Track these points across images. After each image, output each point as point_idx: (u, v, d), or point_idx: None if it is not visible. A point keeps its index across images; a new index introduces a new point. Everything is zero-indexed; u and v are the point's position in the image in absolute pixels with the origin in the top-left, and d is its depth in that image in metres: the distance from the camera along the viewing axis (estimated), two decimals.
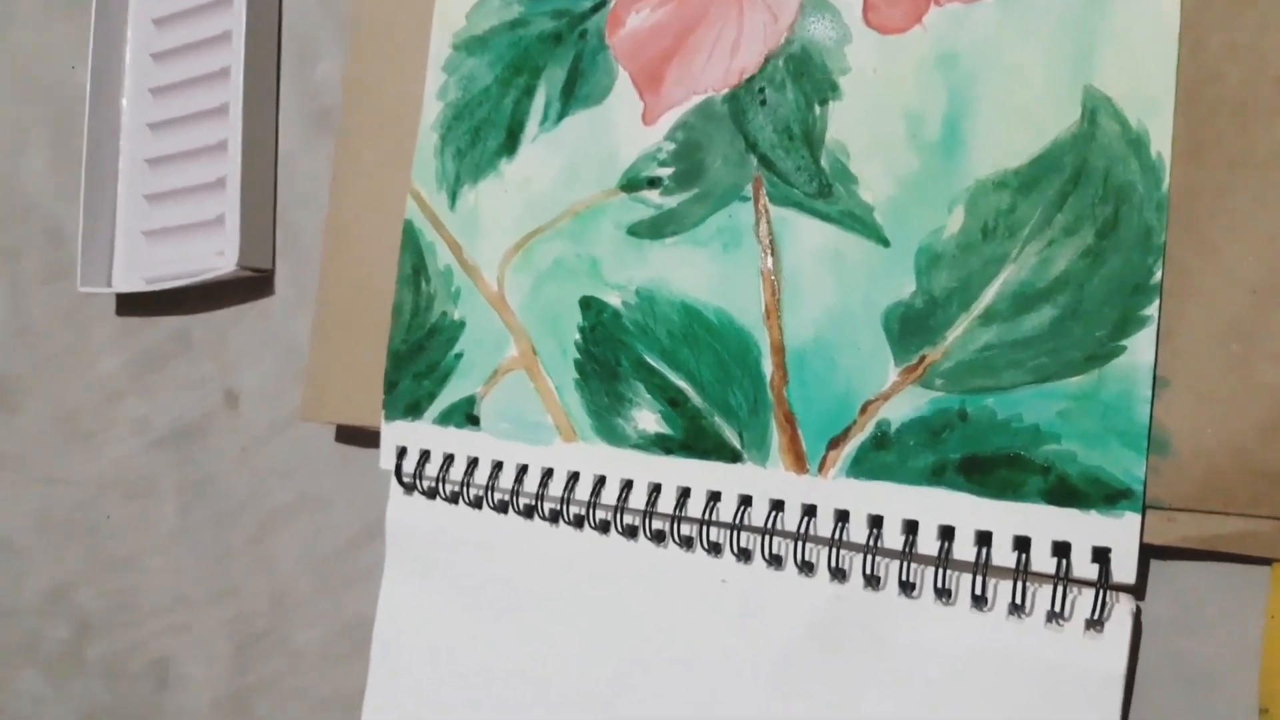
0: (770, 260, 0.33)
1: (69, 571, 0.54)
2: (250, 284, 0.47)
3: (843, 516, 0.31)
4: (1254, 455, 0.26)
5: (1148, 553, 0.28)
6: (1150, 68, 0.28)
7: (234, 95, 0.45)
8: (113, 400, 0.52)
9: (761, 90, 0.33)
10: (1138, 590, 0.28)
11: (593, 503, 0.36)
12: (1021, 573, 0.28)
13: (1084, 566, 0.28)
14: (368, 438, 0.43)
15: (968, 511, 0.29)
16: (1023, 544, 0.28)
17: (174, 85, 0.49)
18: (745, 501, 0.33)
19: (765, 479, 0.32)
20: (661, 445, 0.34)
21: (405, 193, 0.41)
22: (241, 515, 0.47)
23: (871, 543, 0.30)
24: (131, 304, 0.52)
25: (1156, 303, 0.27)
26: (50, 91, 0.56)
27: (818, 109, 0.32)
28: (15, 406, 0.56)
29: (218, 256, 0.46)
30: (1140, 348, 0.27)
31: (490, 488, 0.38)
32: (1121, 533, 0.27)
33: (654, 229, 0.35)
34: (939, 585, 0.30)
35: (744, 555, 0.33)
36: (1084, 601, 0.28)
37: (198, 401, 0.49)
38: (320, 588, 0.45)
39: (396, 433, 0.40)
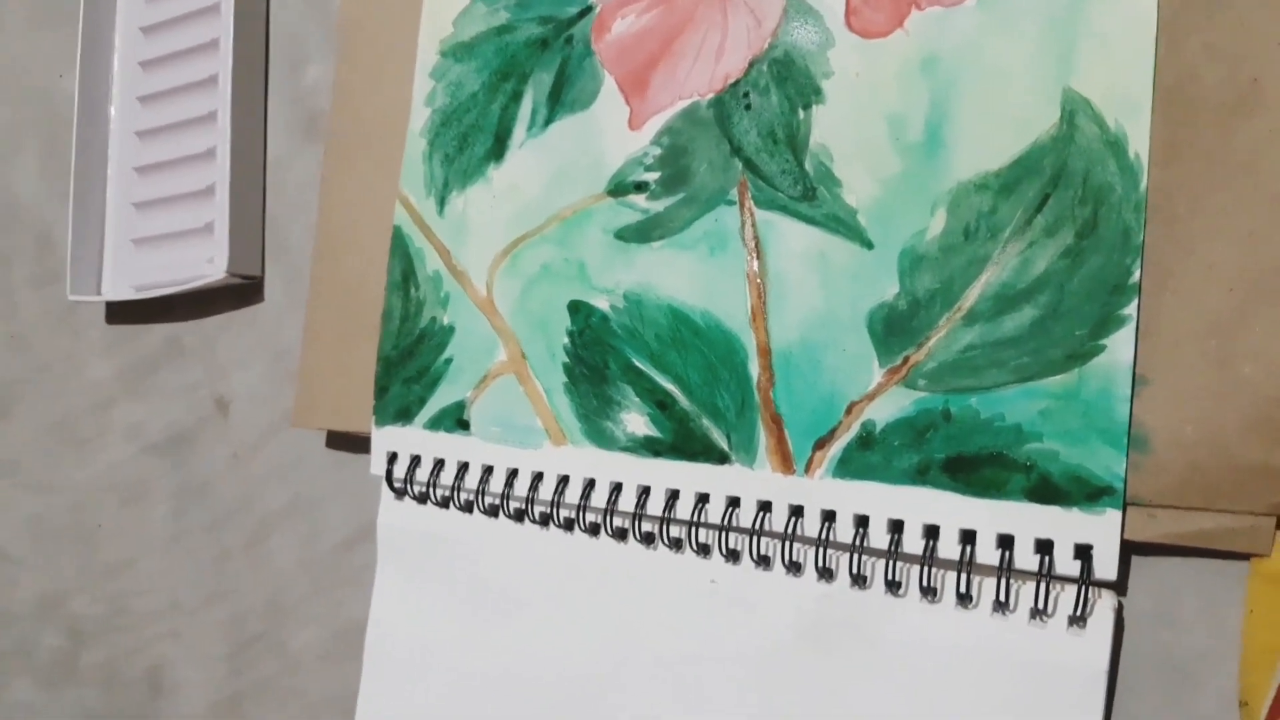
0: (756, 263, 0.33)
1: (62, 579, 0.54)
2: (240, 291, 0.47)
3: (829, 516, 0.31)
4: (1233, 451, 0.27)
5: (1129, 549, 0.28)
6: (1128, 70, 0.28)
7: (222, 103, 0.45)
8: (104, 407, 0.52)
9: (746, 95, 0.33)
10: (1119, 586, 0.28)
11: (582, 505, 0.36)
12: (1005, 570, 0.29)
13: (1066, 563, 0.28)
14: (359, 443, 0.43)
15: (952, 510, 0.30)
16: (1006, 542, 0.29)
17: (162, 93, 0.49)
18: (733, 503, 0.33)
19: (753, 480, 0.33)
20: (650, 448, 0.35)
21: (394, 198, 0.41)
22: (234, 520, 0.47)
23: (858, 542, 0.31)
24: (122, 311, 0.52)
25: (1135, 302, 0.28)
26: (39, 99, 0.56)
27: (801, 113, 0.33)
28: (6, 413, 0.56)
29: (207, 264, 0.46)
30: (1120, 346, 0.28)
31: (481, 492, 0.38)
32: (1103, 530, 0.28)
33: (641, 233, 0.35)
34: (924, 584, 0.30)
35: (733, 556, 0.33)
36: (1067, 598, 0.28)
37: (189, 408, 0.49)
38: (314, 591, 0.45)
39: (387, 438, 0.40)
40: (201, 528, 0.49)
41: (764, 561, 0.33)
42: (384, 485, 0.41)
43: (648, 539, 0.35)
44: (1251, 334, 0.27)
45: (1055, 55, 0.29)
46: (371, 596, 0.41)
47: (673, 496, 0.34)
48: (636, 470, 0.35)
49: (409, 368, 0.40)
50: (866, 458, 0.31)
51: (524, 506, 0.37)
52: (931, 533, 0.30)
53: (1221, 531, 0.27)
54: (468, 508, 0.39)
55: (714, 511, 0.33)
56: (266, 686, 0.46)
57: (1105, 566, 0.28)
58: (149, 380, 0.51)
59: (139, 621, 0.51)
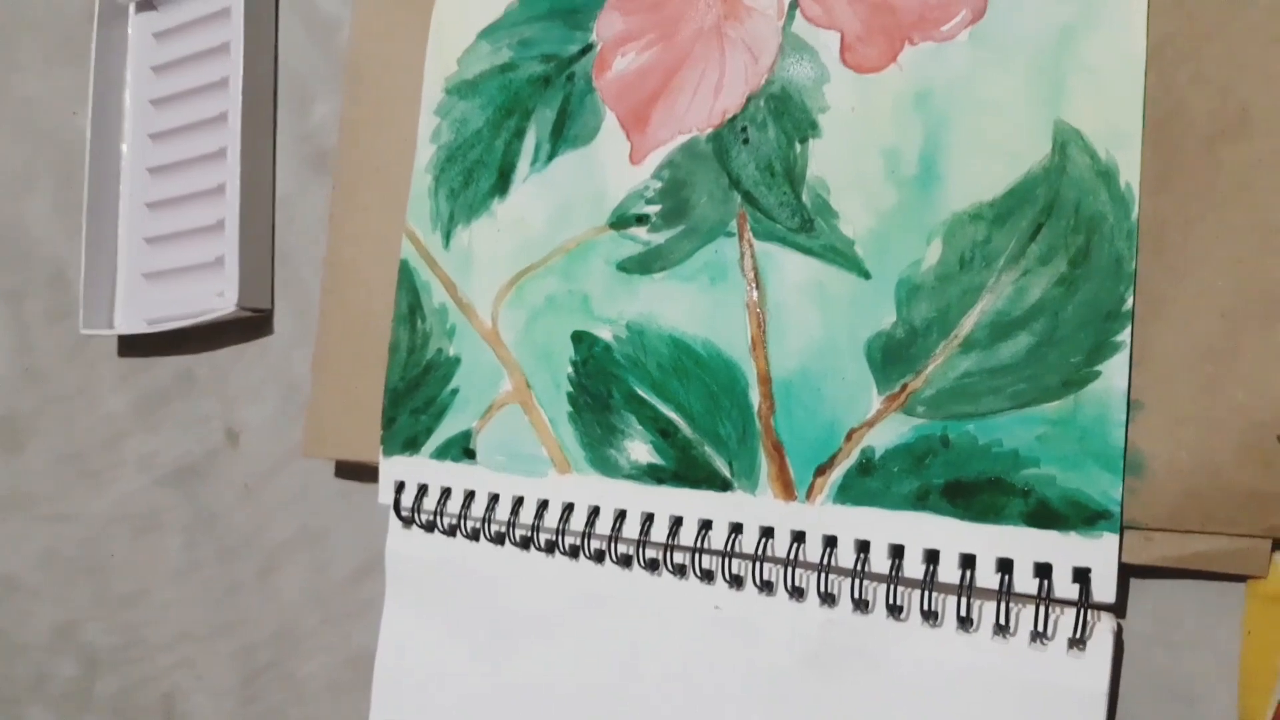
0: (755, 293, 0.33)
1: (76, 609, 0.54)
2: (250, 324, 0.48)
3: (831, 542, 0.32)
4: (1227, 475, 0.27)
5: (1127, 572, 0.28)
6: (1118, 101, 0.29)
7: (232, 140, 0.46)
8: (117, 439, 0.53)
9: (744, 129, 0.34)
10: (1118, 609, 0.29)
11: (587, 533, 0.36)
12: (1005, 594, 0.29)
13: (1065, 587, 0.28)
14: (367, 472, 0.43)
15: (952, 535, 0.30)
16: (1005, 566, 0.29)
17: (173, 130, 0.50)
18: (736, 529, 0.33)
19: (755, 507, 0.33)
20: (654, 475, 0.35)
21: (400, 233, 0.41)
22: (245, 550, 0.48)
23: (859, 567, 0.31)
24: (134, 345, 0.53)
25: (1129, 328, 0.28)
26: (52, 137, 0.56)
27: (798, 146, 0.33)
28: (20, 446, 0.57)
29: (218, 297, 0.47)
30: (1114, 372, 0.28)
31: (487, 520, 0.38)
32: (1100, 553, 0.28)
33: (642, 265, 0.36)
34: (925, 608, 0.30)
35: (736, 582, 0.34)
36: (1066, 621, 0.28)
37: (200, 439, 0.50)
38: (323, 620, 0.45)
39: (395, 468, 0.41)
40: (213, 558, 0.49)
41: (767, 587, 0.33)
42: (392, 514, 0.41)
43: (652, 565, 0.35)
44: (1243, 359, 0.27)
45: (1046, 88, 0.29)
46: (380, 625, 0.41)
47: (676, 523, 0.34)
48: (640, 497, 0.35)
49: (416, 398, 0.40)
50: (867, 484, 0.31)
51: (529, 534, 0.38)
52: (932, 557, 0.30)
53: (1218, 554, 0.27)
54: (474, 536, 0.39)
55: (717, 538, 0.34)
56: (276, 715, 0.46)
57: (1104, 589, 0.28)
58: (161, 412, 0.51)
59: (151, 651, 0.51)
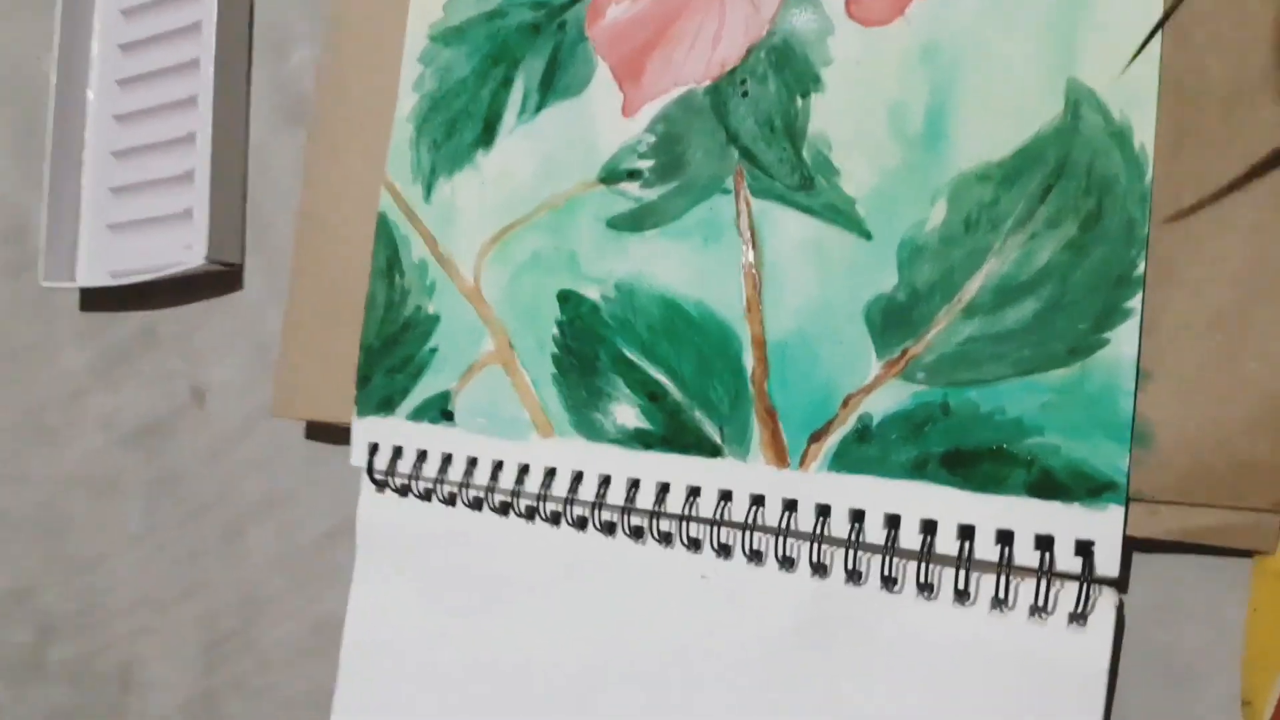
0: (751, 253, 0.33)
1: (30, 573, 0.53)
2: (219, 278, 0.47)
3: (824, 511, 0.31)
4: (1237, 447, 0.26)
5: (1130, 545, 0.28)
6: (1133, 61, 0.28)
7: (204, 87, 0.45)
8: (77, 397, 0.52)
9: (743, 82, 0.33)
10: (1120, 583, 0.28)
11: (570, 499, 0.35)
12: (1004, 566, 0.28)
13: (1067, 560, 0.28)
14: (338, 434, 0.43)
15: (950, 505, 0.29)
16: (1005, 537, 0.28)
17: (142, 76, 0.49)
18: (725, 496, 0.33)
19: (746, 473, 0.32)
20: (640, 440, 0.34)
21: (379, 185, 0.40)
22: (210, 514, 0.47)
23: (853, 537, 0.30)
24: (96, 299, 0.51)
25: (1139, 295, 0.27)
26: (15, 83, 0.55)
27: (800, 101, 0.32)
28: None
29: (185, 250, 0.46)
30: (1123, 340, 0.27)
31: (464, 484, 0.38)
32: (1105, 525, 0.27)
33: (634, 222, 0.35)
34: (921, 580, 0.29)
35: (724, 551, 0.33)
36: (1067, 595, 0.28)
37: (165, 398, 0.49)
38: (290, 586, 0.44)
39: (368, 429, 0.40)
40: (175, 521, 0.48)
41: (756, 557, 0.32)
42: (364, 477, 0.40)
43: (636, 533, 0.35)
44: (1256, 329, 0.27)
45: (1059, 45, 0.29)
46: (349, 592, 0.41)
47: (663, 490, 0.34)
48: (626, 463, 0.34)
49: (393, 357, 0.39)
50: (863, 451, 0.30)
51: (509, 500, 0.37)
52: (929, 528, 0.29)
53: (1225, 528, 0.27)
54: (450, 500, 0.38)
55: (705, 505, 0.33)
56: (240, 683, 0.46)
57: (1107, 563, 0.27)
58: (123, 369, 0.50)
59: (110, 617, 0.50)
